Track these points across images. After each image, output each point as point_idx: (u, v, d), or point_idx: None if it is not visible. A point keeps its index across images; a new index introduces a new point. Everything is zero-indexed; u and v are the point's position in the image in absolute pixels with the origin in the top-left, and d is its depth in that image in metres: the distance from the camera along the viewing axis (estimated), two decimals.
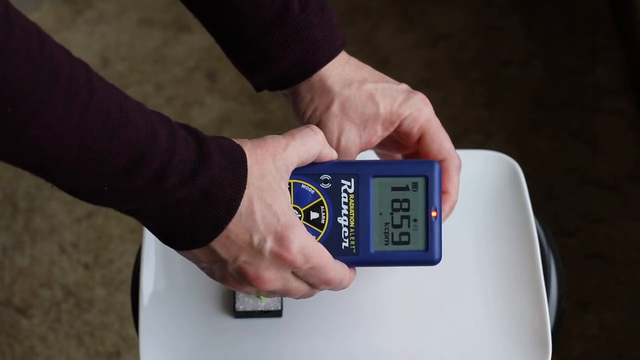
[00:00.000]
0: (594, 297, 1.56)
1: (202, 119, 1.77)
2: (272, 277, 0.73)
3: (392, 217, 0.76)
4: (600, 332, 1.53)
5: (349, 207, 0.76)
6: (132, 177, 0.66)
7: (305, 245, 0.72)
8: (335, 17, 0.81)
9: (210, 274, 0.75)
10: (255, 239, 0.71)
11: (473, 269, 0.90)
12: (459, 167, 0.81)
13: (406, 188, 0.76)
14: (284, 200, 0.72)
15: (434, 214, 0.76)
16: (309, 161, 0.75)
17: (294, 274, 0.74)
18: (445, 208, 0.79)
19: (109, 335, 1.56)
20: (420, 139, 0.80)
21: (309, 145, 0.74)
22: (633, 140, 1.72)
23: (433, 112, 0.81)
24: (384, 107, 0.79)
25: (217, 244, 0.71)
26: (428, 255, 0.77)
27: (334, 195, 0.76)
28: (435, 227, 0.77)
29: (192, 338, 0.87)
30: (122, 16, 1.91)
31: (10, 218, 1.66)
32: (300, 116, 0.81)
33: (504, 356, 0.86)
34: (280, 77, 0.80)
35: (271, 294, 0.75)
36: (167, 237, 0.71)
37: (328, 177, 0.76)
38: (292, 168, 0.74)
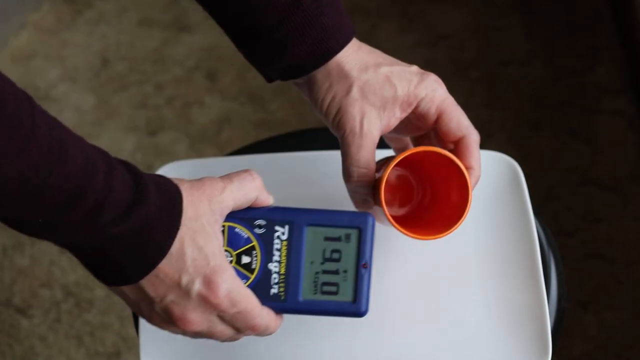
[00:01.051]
0: (594, 297, 1.56)
1: (202, 119, 1.77)
2: (198, 319, 0.73)
3: (323, 267, 0.76)
4: (600, 332, 1.53)
5: (281, 253, 0.76)
6: (69, 212, 0.66)
7: (233, 290, 0.72)
8: (342, 5, 0.81)
9: (138, 311, 0.75)
10: (184, 280, 0.71)
11: (473, 269, 0.90)
12: (478, 141, 0.81)
13: (339, 239, 0.76)
14: (215, 243, 0.72)
15: (364, 266, 0.76)
16: (245, 205, 0.76)
17: (220, 317, 0.74)
18: (472, 182, 0.79)
19: (109, 335, 1.56)
20: (438, 119, 0.80)
21: (246, 189, 0.75)
22: (633, 140, 1.72)
23: (447, 91, 0.81)
24: (402, 89, 0.80)
25: (146, 283, 0.71)
26: (355, 307, 0.76)
27: (267, 241, 0.76)
28: (364, 280, 0.76)
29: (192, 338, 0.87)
30: (122, 16, 1.91)
31: None
32: (318, 104, 0.81)
33: (504, 356, 0.85)
34: (294, 66, 0.80)
35: (196, 335, 0.75)
36: (98, 272, 0.72)
37: (262, 222, 0.76)
38: (227, 211, 0.74)
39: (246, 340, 0.87)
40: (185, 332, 0.74)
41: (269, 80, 0.83)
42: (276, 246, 0.76)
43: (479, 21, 1.88)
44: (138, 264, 0.70)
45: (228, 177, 0.75)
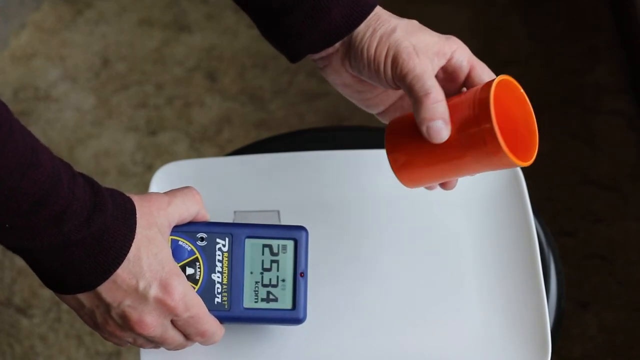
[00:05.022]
0: (593, 297, 1.56)
1: (202, 119, 1.77)
2: (154, 322, 0.76)
3: (262, 277, 0.81)
4: (600, 332, 1.53)
5: (222, 264, 0.80)
6: (34, 217, 0.69)
7: (187, 294, 0.76)
8: None
9: (91, 320, 0.77)
10: (141, 285, 0.75)
11: (473, 269, 0.90)
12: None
13: (276, 250, 0.81)
14: (167, 252, 0.76)
15: (301, 275, 0.81)
16: (187, 220, 0.80)
17: (173, 323, 0.77)
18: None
19: None
20: (471, 72, 0.81)
21: (188, 204, 0.79)
22: (633, 140, 1.72)
23: None
24: (436, 40, 0.80)
25: (104, 289, 0.74)
26: (294, 314, 0.81)
27: (209, 253, 0.80)
28: (302, 287, 0.81)
29: None
30: (122, 16, 1.91)
31: None
32: (365, 53, 0.80)
33: (503, 356, 0.85)
34: (332, 30, 0.80)
35: (148, 342, 0.78)
36: (54, 281, 0.75)
37: (204, 235, 0.80)
38: (173, 224, 0.78)
39: (246, 340, 0.87)
40: (137, 338, 0.77)
41: (295, 59, 0.83)
42: (218, 257, 0.80)
43: (479, 21, 1.88)
44: (97, 270, 0.73)
45: (172, 192, 0.79)
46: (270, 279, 0.81)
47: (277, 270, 0.81)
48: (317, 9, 0.80)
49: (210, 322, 0.78)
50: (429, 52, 0.79)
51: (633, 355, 1.52)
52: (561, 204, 1.65)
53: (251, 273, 0.81)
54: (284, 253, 0.81)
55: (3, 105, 0.67)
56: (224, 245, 0.80)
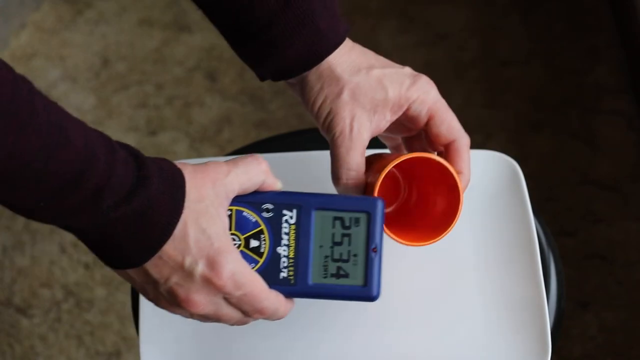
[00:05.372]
0: (593, 297, 1.56)
1: (202, 119, 1.77)
2: (203, 301, 0.73)
3: (333, 251, 0.76)
4: (600, 332, 1.53)
5: (289, 237, 0.76)
6: (69, 196, 0.66)
7: (237, 272, 0.72)
8: (337, 5, 0.81)
9: (144, 294, 0.75)
10: (187, 262, 0.71)
11: (473, 269, 0.90)
12: (469, 145, 0.81)
13: (348, 223, 0.76)
14: (220, 225, 0.72)
15: (374, 250, 0.76)
16: (251, 190, 0.75)
17: (227, 300, 0.74)
18: (462, 186, 0.79)
19: (109, 335, 1.56)
20: (429, 121, 0.80)
21: (251, 173, 0.75)
22: (633, 140, 1.72)
23: (439, 94, 0.81)
24: (393, 92, 0.79)
25: (150, 265, 0.71)
26: (366, 291, 0.76)
27: (275, 225, 0.76)
28: (375, 264, 0.76)
29: (192, 338, 0.87)
30: (122, 16, 1.91)
31: (11, 218, 1.66)
32: (309, 105, 0.81)
33: (503, 356, 0.86)
34: (285, 67, 0.80)
35: (203, 318, 0.75)
36: (102, 256, 0.72)
37: (270, 206, 0.76)
38: (232, 195, 0.74)
39: (246, 340, 0.87)
40: (192, 315, 0.74)
41: (262, 79, 0.83)
42: (284, 230, 0.76)
43: (479, 21, 1.88)
44: (141, 247, 0.70)
45: (233, 161, 0.75)
46: (341, 254, 0.76)
47: (349, 245, 0.76)
48: (270, 44, 0.79)
49: (269, 299, 0.74)
50: (378, 109, 0.79)
51: (633, 355, 1.52)
52: (561, 204, 1.65)
53: (320, 247, 0.76)
54: (356, 226, 0.76)
55: (26, 83, 0.64)
56: (291, 217, 0.76)
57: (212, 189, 0.72)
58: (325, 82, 0.80)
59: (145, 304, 0.88)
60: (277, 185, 0.77)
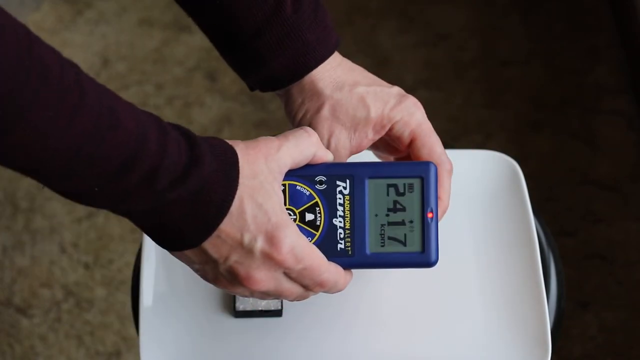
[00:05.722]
0: (593, 297, 1.56)
1: (202, 119, 1.77)
2: (264, 277, 0.72)
3: (388, 219, 0.76)
4: (599, 332, 1.53)
5: (344, 208, 0.76)
6: (123, 179, 0.66)
7: (296, 246, 0.72)
8: (329, 17, 0.80)
9: (204, 275, 0.74)
10: (246, 239, 0.71)
11: (473, 269, 0.90)
12: (451, 171, 0.81)
13: (402, 189, 0.76)
14: (275, 200, 0.72)
15: (430, 215, 0.76)
16: (303, 163, 0.75)
17: (287, 275, 0.73)
18: (440, 212, 0.79)
19: (109, 335, 1.56)
20: (411, 143, 0.80)
21: (302, 147, 0.74)
22: (633, 140, 1.72)
23: (425, 116, 0.80)
24: (375, 111, 0.79)
25: (208, 245, 0.71)
26: (424, 257, 0.76)
27: (329, 197, 0.76)
28: (432, 229, 0.76)
29: (192, 338, 0.87)
30: (122, 16, 1.91)
31: (11, 218, 1.66)
32: (291, 118, 0.81)
33: (503, 356, 0.86)
34: (271, 78, 0.80)
35: (264, 295, 0.74)
36: (159, 238, 0.71)
37: (323, 178, 0.76)
38: (285, 169, 0.74)
39: (246, 339, 0.87)
40: (253, 293, 0.74)
41: (251, 89, 0.83)
42: (339, 201, 0.76)
43: (479, 21, 1.88)
44: (198, 226, 0.70)
45: (284, 135, 0.74)
46: (396, 221, 0.76)
47: (404, 211, 0.76)
48: (257, 55, 0.79)
49: (330, 271, 0.74)
50: (359, 127, 0.79)
51: (633, 355, 1.52)
52: (561, 204, 1.65)
53: (376, 216, 0.75)
54: (410, 192, 0.76)
55: (73, 67, 0.64)
56: (344, 188, 0.75)
57: (265, 164, 0.72)
58: (307, 97, 0.80)
59: (145, 304, 0.88)
60: (328, 156, 0.76)
